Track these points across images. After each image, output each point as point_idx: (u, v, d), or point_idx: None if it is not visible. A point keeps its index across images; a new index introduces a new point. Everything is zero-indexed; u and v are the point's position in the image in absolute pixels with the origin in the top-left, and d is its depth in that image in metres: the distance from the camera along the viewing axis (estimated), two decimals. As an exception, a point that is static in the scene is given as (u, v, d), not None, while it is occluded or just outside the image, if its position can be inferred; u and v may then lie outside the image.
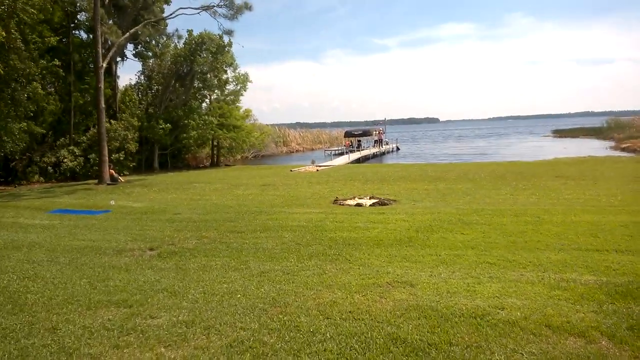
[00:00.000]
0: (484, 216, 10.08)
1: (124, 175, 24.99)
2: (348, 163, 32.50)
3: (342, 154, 42.38)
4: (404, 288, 5.54)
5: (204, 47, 30.25)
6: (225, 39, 31.30)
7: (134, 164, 27.28)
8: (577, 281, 5.75)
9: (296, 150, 57.05)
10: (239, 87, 33.84)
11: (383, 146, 49.68)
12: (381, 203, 12.59)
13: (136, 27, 23.04)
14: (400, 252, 7.28)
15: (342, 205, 12.70)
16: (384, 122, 60.88)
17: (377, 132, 51.75)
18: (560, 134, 63.17)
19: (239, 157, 40.24)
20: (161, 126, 28.23)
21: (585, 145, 40.62)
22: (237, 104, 34.53)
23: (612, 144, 38.74)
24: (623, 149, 32.30)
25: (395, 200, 13.09)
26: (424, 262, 6.73)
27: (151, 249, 8.22)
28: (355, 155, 38.26)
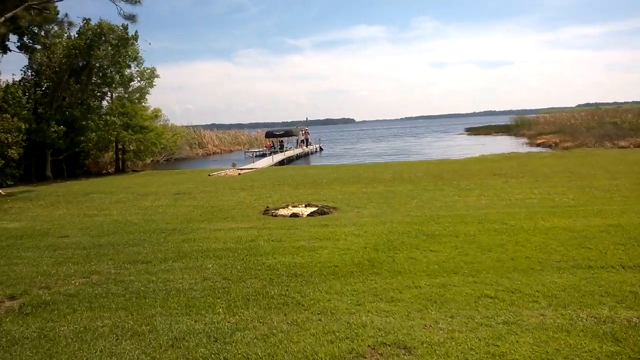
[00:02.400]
0: (445, 225, 8.57)
1: (5, 186, 21.04)
2: (272, 165, 30.38)
3: (264, 155, 40.04)
4: (397, 357, 3.66)
5: (104, 38, 26.63)
6: (131, 30, 27.91)
7: (20, 172, 23.18)
8: (617, 321, 4.24)
9: (213, 153, 53.61)
10: (144, 84, 30.39)
11: (308, 146, 48.02)
12: (321, 212, 10.71)
13: (14, 10, 19.29)
14: (368, 285, 5.42)
15: (275, 216, 10.67)
16: (306, 122, 59.25)
17: (303, 132, 49.96)
18: (473, 131, 65.40)
19: (148, 161, 36.51)
20: (53, 128, 24.28)
21: (501, 142, 41.74)
22: (144, 103, 31.04)
23: (526, 140, 40.04)
24: (539, 145, 33.23)
25: (335, 208, 11.28)
26: (404, 300, 4.91)
27: (12, 298, 5.71)
28: (279, 156, 36.18)
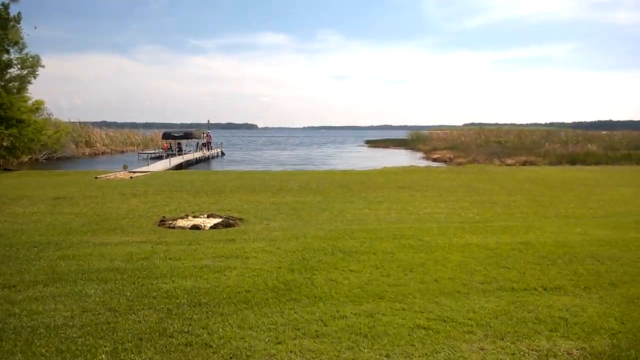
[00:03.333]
0: (361, 240, 8.10)
1: None
2: (169, 169, 28.39)
3: (160, 157, 37.47)
4: (335, 419, 2.96)
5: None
6: (13, 11, 24.56)
7: None
8: (559, 354, 3.95)
9: (102, 153, 49.27)
10: (25, 73, 26.90)
11: (209, 150, 46.03)
12: (226, 224, 9.76)
13: None
14: (287, 316, 4.67)
15: (173, 228, 9.52)
16: (207, 125, 56.99)
17: (205, 135, 47.77)
18: (373, 144, 67.64)
19: (25, 159, 32.50)
20: None
21: (400, 155, 43.37)
22: (24, 94, 27.47)
23: (422, 154, 41.95)
24: (435, 159, 34.88)
25: (241, 219, 10.39)
26: (331, 335, 4.24)
27: None
28: (177, 159, 34.07)
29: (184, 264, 6.61)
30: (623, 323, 4.74)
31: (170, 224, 9.86)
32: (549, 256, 7.20)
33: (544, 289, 5.72)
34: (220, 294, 5.33)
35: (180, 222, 9.97)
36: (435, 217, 11.01)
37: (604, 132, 46.64)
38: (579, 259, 7.03)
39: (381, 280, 5.94)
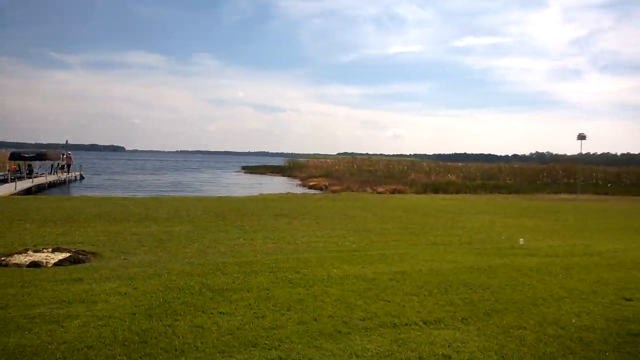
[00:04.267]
0: (234, 275, 7.37)
1: None
2: (15, 194, 24.71)
3: (5, 180, 32.65)
4: None
5: None
6: None
7: None
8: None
9: None
10: None
11: (68, 173, 41.37)
12: (74, 259, 8.34)
13: None
14: (137, 380, 3.77)
15: (6, 265, 7.87)
16: (66, 146, 51.50)
17: (64, 156, 42.85)
18: (249, 170, 66.90)
19: None
20: None
21: (277, 182, 43.18)
22: None
23: (299, 181, 42.25)
24: (311, 187, 35.23)
25: (94, 254, 9.01)
26: (192, 402, 3.45)
27: None
28: (26, 183, 29.92)
29: (10, 313, 5.28)
30: (503, 357, 4.65)
31: (4, 260, 8.16)
32: (426, 286, 7.13)
33: (424, 323, 5.51)
34: (53, 353, 4.22)
35: (17, 259, 8.33)
36: (313, 246, 10.66)
37: (460, 164, 51.55)
38: (453, 288, 7.05)
39: (255, 324, 5.26)
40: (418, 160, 68.17)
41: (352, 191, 30.08)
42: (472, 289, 7.05)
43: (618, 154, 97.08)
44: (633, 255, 10.24)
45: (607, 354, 4.75)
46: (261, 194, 25.78)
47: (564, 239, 12.30)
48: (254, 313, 5.62)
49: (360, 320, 5.54)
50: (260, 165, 76.62)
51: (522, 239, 11.57)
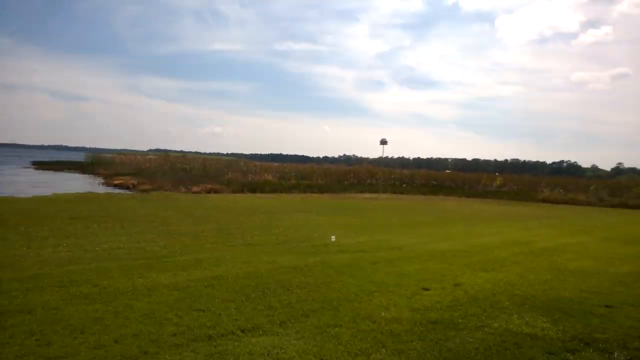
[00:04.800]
0: (12, 294, 6.13)
1: None
2: None
3: None
4: None
5: None
6: None
7: None
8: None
9: None
10: None
11: None
12: None
13: None
14: None
15: None
16: None
17: None
18: (42, 166, 58.07)
19: None
20: None
21: (76, 181, 38.18)
22: None
23: (102, 180, 38.16)
24: (116, 185, 32.09)
25: None
26: None
27: None
28: None
29: None
30: (322, 359, 4.57)
31: None
32: (243, 290, 6.83)
33: (242, 331, 5.19)
34: None
35: None
36: (116, 253, 9.47)
37: (276, 164, 52.94)
38: (271, 290, 6.88)
39: (38, 354, 4.28)
40: (235, 159, 67.98)
41: (165, 191, 28.27)
42: (289, 289, 6.98)
43: (411, 158, 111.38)
44: (426, 247, 11.51)
45: (414, 343, 5.05)
46: (55, 194, 22.40)
47: (371, 235, 13.28)
48: (37, 340, 4.61)
49: (171, 335, 4.96)
50: (55, 160, 67.30)
51: (333, 236, 12.09)
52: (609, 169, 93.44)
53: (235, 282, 7.27)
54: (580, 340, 5.03)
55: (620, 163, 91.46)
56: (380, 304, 6.45)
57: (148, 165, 49.68)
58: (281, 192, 32.48)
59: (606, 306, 6.45)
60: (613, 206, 34.78)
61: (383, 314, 5.98)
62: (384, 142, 35.79)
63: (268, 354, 4.60)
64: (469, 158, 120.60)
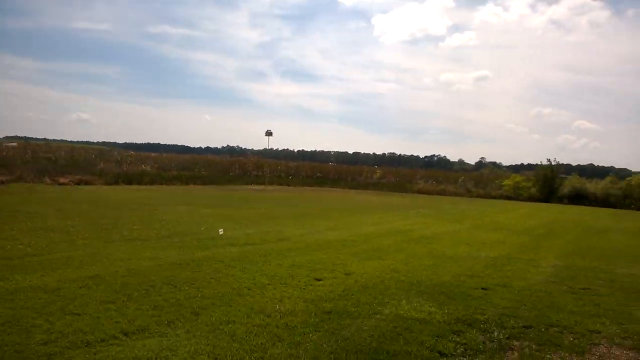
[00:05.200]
0: None
1: None
2: None
3: None
4: None
5: None
6: None
7: None
8: None
9: None
10: None
11: None
12: None
13: None
14: None
15: None
16: None
17: None
18: None
19: None
20: None
21: None
22: None
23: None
24: (-35, 177, 27.88)
25: None
26: None
27: None
28: None
29: None
30: (216, 358, 4.32)
31: None
32: (124, 290, 6.27)
33: (125, 335, 4.74)
34: None
35: None
36: (-33, 253, 8.16)
37: (154, 154, 49.92)
38: (156, 289, 6.41)
39: None
40: (108, 149, 62.96)
41: (26, 182, 25.23)
42: (176, 286, 6.56)
43: (295, 151, 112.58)
44: (315, 238, 11.64)
45: (310, 335, 5.00)
46: None
47: (259, 227, 13.09)
48: None
49: (42, 344, 4.35)
50: None
51: (221, 229, 11.70)
52: (473, 163, 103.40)
53: (115, 281, 6.65)
54: (463, 322, 5.38)
55: (482, 157, 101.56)
56: (273, 296, 6.33)
57: (4, 154, 44.02)
58: (161, 184, 30.81)
59: (482, 288, 7.03)
60: (479, 196, 38.61)
61: (277, 307, 5.86)
62: (269, 133, 35.71)
63: (156, 358, 4.23)
64: (350, 151, 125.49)
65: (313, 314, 5.61)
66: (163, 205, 17.74)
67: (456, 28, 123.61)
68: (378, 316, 5.61)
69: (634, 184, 36.69)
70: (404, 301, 6.21)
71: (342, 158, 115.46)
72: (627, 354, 4.64)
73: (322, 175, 47.10)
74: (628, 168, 59.64)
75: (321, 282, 7.21)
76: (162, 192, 25.02)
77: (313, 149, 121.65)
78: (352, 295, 6.49)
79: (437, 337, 4.91)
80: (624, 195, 36.28)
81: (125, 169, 35.39)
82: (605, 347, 4.79)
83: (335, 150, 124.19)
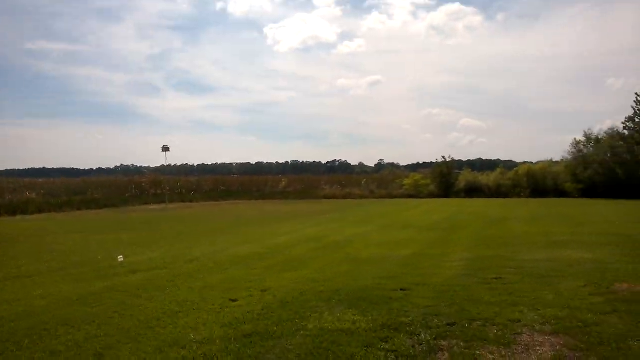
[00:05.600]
0: None
1: None
2: None
3: None
4: None
5: None
6: None
7: None
8: None
9: None
10: None
11: None
12: None
13: None
14: None
15: None
16: None
17: None
18: None
19: None
20: None
21: None
22: None
23: None
24: None
25: None
26: None
27: None
28: None
29: None
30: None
31: None
32: (12, 337, 5.44)
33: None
34: None
35: None
36: None
37: (40, 180, 45.27)
38: (51, 332, 5.58)
39: None
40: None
41: None
42: (74, 326, 5.76)
43: (195, 165, 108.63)
44: (226, 254, 11.09)
45: (232, 364, 4.55)
46: None
47: (163, 249, 12.19)
48: None
49: None
50: None
51: (121, 256, 10.70)
52: (373, 165, 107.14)
53: (1, 329, 5.69)
54: (389, 327, 5.24)
55: (381, 159, 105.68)
56: (187, 325, 5.76)
57: None
58: (50, 212, 28.02)
59: (401, 289, 6.99)
60: (382, 197, 39.94)
61: (192, 336, 5.32)
62: (166, 149, 34.12)
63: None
64: (253, 162, 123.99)
65: (233, 340, 5.14)
66: (53, 235, 16.03)
67: (346, 36, 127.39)
68: (302, 332, 5.30)
69: (521, 173, 40.09)
70: (326, 313, 5.96)
71: (245, 169, 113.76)
72: (550, 339, 4.78)
73: (226, 188, 45.87)
74: (513, 160, 65.13)
75: (237, 302, 6.74)
76: (51, 221, 22.69)
77: (214, 162, 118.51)
78: (272, 313, 6.11)
79: (366, 347, 4.72)
80: (513, 185, 39.54)
81: (8, 198, 31.66)
82: (527, 335, 4.90)
83: (237, 161, 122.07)
